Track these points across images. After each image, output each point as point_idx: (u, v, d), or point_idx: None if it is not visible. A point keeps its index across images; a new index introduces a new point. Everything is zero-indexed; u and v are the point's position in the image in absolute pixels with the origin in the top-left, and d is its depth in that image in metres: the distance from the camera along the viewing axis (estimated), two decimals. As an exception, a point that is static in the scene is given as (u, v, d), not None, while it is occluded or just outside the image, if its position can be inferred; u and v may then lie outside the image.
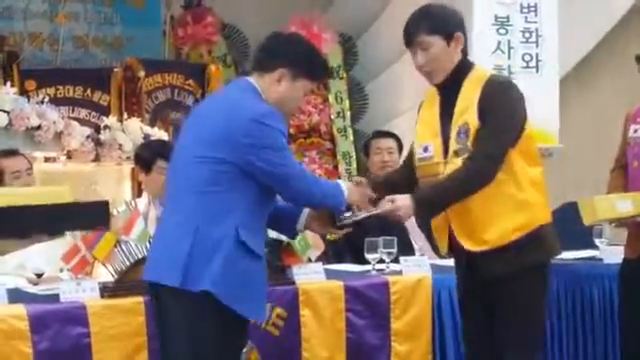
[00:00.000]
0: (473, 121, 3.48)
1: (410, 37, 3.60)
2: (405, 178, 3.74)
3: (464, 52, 3.62)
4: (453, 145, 3.51)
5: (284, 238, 3.88)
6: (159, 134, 6.54)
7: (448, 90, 3.58)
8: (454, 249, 3.62)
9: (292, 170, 3.24)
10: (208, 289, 3.09)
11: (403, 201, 3.46)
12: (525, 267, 3.53)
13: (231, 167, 3.14)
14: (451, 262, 4.05)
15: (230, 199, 3.14)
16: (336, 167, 7.70)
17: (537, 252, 3.58)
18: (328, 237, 5.03)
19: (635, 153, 4.15)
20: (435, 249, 5.18)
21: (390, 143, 5.48)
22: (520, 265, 3.51)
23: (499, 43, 5.76)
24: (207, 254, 3.11)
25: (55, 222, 2.55)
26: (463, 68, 3.59)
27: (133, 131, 6.43)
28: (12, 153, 4.98)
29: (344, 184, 3.40)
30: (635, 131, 4.17)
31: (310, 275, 4.05)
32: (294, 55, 3.30)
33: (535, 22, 5.80)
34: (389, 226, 5.01)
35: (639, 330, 4.08)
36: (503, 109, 3.52)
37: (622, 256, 4.24)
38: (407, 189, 3.62)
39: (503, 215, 3.50)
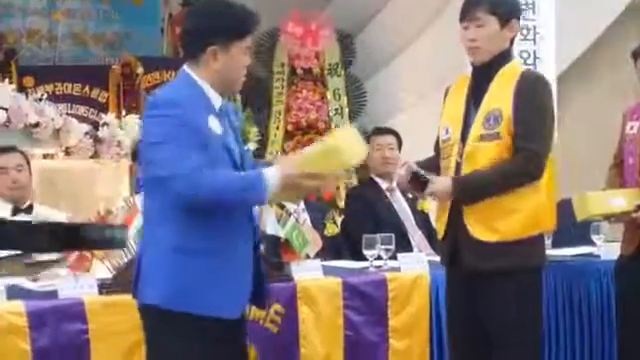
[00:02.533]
0: (507, 110, 3.50)
1: (468, 11, 3.59)
2: (436, 163, 3.75)
3: (511, 41, 3.65)
4: (478, 129, 3.53)
5: (282, 234, 3.89)
6: (157, 131, 6.53)
7: (483, 74, 3.60)
8: (450, 234, 3.62)
9: (165, 171, 2.89)
10: (150, 303, 3.01)
11: (442, 183, 3.49)
12: (524, 266, 3.56)
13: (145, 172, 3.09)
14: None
15: (159, 202, 3.00)
16: (334, 164, 7.70)
17: (537, 254, 3.63)
18: (326, 233, 5.04)
19: (630, 150, 4.16)
20: (433, 246, 5.20)
21: (390, 139, 5.48)
22: (520, 263, 3.54)
23: (497, 40, 5.75)
24: (150, 266, 3.03)
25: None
26: (505, 56, 3.62)
27: (131, 128, 6.43)
28: (5, 150, 4.94)
29: (269, 174, 2.92)
30: (631, 128, 4.18)
31: (308, 272, 4.05)
32: (217, 27, 3.07)
33: (533, 20, 5.81)
34: (386, 222, 5.05)
35: (635, 326, 4.09)
36: (545, 108, 3.58)
37: (619, 253, 4.26)
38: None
39: (521, 211, 3.53)
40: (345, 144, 2.98)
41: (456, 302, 3.69)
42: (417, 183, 3.52)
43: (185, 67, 3.13)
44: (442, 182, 3.52)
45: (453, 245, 3.61)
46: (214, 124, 3.03)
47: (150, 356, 3.15)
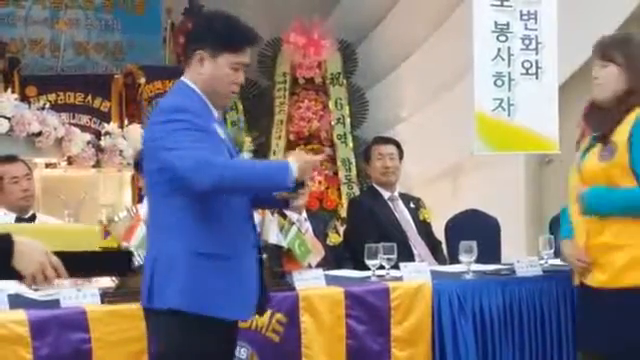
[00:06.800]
0: None
1: None
2: None
3: None
4: None
5: (284, 244, 3.89)
6: (159, 140, 6.54)
7: None
8: None
9: (185, 167, 2.94)
10: (172, 307, 3.04)
11: None
12: None
13: (159, 176, 3.08)
14: (451, 268, 4.05)
15: (170, 207, 3.05)
16: (336, 173, 7.70)
17: None
18: (328, 243, 5.04)
19: None
20: (435, 256, 5.19)
21: (391, 149, 5.46)
22: None
23: (499, 50, 5.77)
24: (166, 271, 3.05)
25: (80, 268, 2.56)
26: None
27: (133, 137, 6.45)
28: (11, 159, 4.98)
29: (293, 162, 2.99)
30: None
31: (310, 281, 4.06)
32: (209, 33, 3.14)
33: (535, 29, 5.81)
34: (388, 232, 5.04)
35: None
36: None
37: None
38: None
39: None
40: None
41: None
42: None
43: (182, 78, 3.18)
44: None
45: None
46: (219, 130, 3.13)
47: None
